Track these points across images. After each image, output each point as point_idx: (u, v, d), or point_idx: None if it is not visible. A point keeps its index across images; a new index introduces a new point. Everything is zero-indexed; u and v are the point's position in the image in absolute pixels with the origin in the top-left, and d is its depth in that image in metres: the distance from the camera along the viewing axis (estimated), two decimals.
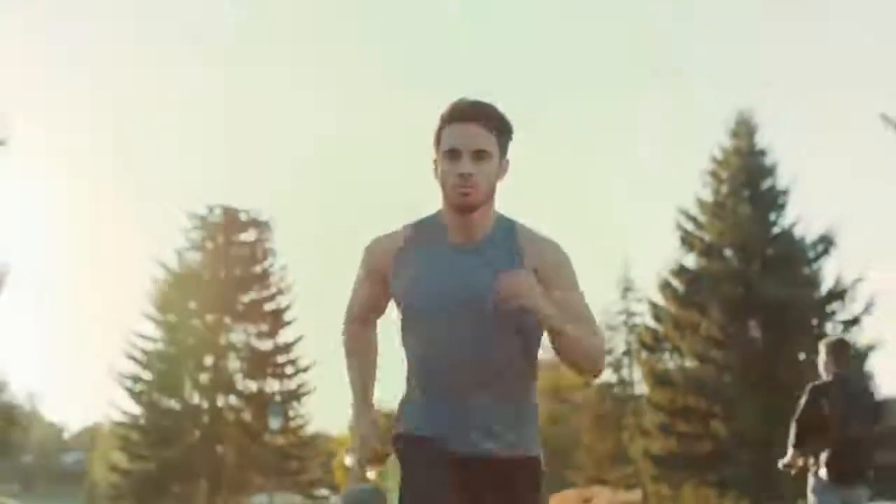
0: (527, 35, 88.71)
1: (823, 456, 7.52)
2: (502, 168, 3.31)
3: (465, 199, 3.21)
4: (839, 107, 74.97)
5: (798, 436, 7.61)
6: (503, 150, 3.29)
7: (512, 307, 3.09)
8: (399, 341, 3.42)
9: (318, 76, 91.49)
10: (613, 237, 76.37)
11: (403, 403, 3.41)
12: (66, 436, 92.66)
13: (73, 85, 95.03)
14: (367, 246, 3.46)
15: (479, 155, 3.20)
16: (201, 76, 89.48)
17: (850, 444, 7.52)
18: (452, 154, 3.21)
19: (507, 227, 3.33)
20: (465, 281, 3.24)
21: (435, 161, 3.31)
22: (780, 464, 7.80)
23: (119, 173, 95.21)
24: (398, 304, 3.37)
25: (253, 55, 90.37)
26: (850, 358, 7.91)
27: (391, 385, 3.80)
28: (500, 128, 3.26)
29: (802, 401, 7.69)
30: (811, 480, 7.60)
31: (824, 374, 7.74)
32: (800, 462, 7.63)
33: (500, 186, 3.33)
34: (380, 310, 3.50)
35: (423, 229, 3.37)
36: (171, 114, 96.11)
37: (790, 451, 7.66)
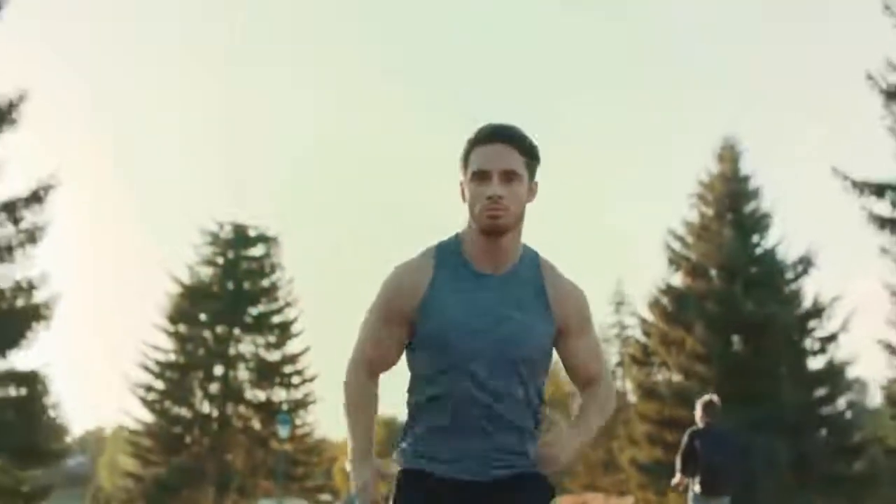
0: (529, 36, 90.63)
1: (697, 478, 10.85)
2: (532, 191, 3.26)
3: (495, 223, 3.16)
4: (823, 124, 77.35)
5: (682, 465, 10.97)
6: (532, 173, 3.24)
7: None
8: (412, 374, 3.36)
9: (324, 95, 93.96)
10: (609, 252, 78.67)
11: (409, 434, 3.36)
12: (68, 439, 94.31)
13: (97, 92, 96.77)
14: (388, 281, 3.30)
15: (509, 176, 3.16)
16: (212, 102, 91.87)
17: (713, 470, 10.89)
18: (481, 175, 3.17)
19: (532, 260, 3.30)
20: (494, 318, 3.19)
21: (462, 184, 3.27)
22: (672, 483, 11.26)
23: (132, 189, 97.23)
24: (420, 345, 3.27)
25: (261, 76, 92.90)
26: (716, 412, 11.14)
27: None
28: (529, 151, 3.22)
29: (683, 441, 11.03)
30: (690, 493, 10.93)
31: (699, 423, 11.09)
32: (685, 482, 10.99)
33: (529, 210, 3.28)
34: (394, 361, 3.36)
35: (447, 257, 3.29)
36: (185, 133, 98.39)
37: (677, 475, 11.04)
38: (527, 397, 3.26)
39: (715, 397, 11.46)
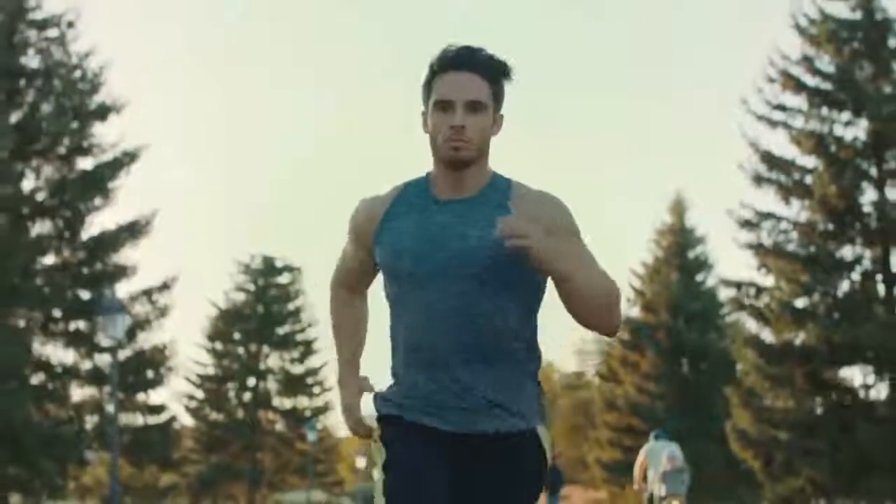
0: (529, 37, 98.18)
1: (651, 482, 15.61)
2: (496, 122, 3.18)
3: (457, 154, 3.08)
4: None
5: (639, 474, 15.46)
6: (499, 99, 3.17)
7: (513, 252, 2.90)
8: (387, 315, 3.29)
9: (324, 101, 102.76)
10: None
11: (391, 377, 3.26)
12: None
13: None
14: (353, 211, 3.34)
15: (473, 106, 3.08)
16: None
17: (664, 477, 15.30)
18: (444, 105, 3.09)
19: (502, 185, 3.18)
20: (448, 238, 3.10)
21: (424, 114, 3.19)
22: (635, 487, 15.59)
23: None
24: (381, 272, 3.25)
25: (289, 117, 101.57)
26: (665, 431, 16.47)
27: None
28: (496, 76, 3.15)
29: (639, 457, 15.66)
30: (646, 494, 15.60)
31: (652, 440, 15.67)
32: (643, 486, 15.22)
33: (495, 141, 3.16)
34: (367, 276, 3.41)
35: (411, 189, 3.25)
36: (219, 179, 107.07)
37: (636, 483, 15.34)
38: (505, 324, 3.08)
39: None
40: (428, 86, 3.18)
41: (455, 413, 3.11)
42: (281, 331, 49.60)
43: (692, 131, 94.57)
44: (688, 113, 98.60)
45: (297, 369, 49.67)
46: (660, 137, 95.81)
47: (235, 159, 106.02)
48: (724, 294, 33.08)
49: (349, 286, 3.49)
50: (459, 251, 3.09)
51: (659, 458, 15.33)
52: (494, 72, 3.16)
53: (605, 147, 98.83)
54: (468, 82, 3.11)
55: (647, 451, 15.67)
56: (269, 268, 50.31)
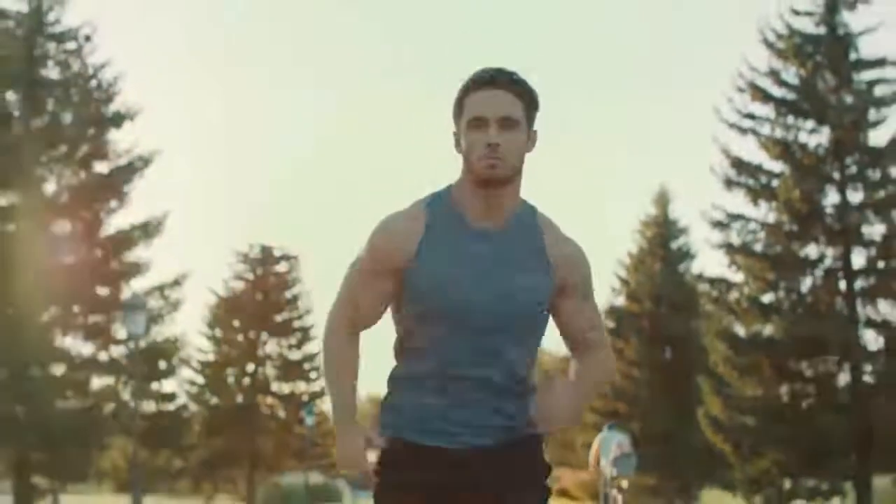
0: (532, 35, 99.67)
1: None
2: (531, 139, 3.20)
3: (494, 172, 3.09)
4: None
5: (594, 459, 18.45)
6: (531, 120, 3.20)
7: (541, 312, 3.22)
8: (398, 337, 3.33)
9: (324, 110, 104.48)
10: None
11: (396, 404, 3.31)
12: None
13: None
14: (377, 230, 3.24)
15: (508, 123, 3.11)
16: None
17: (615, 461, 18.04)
18: (478, 122, 3.11)
19: (530, 215, 3.26)
20: (493, 286, 3.16)
21: (456, 134, 3.20)
22: (590, 469, 18.89)
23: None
24: (411, 301, 3.22)
25: (288, 105, 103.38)
26: (616, 425, 19.23)
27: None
28: (528, 96, 3.19)
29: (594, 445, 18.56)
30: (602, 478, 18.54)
31: (605, 431, 18.46)
32: (598, 469, 18.09)
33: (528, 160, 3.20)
34: (379, 312, 3.31)
35: (438, 208, 3.22)
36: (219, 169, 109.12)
37: (591, 466, 18.49)
38: (522, 358, 3.24)
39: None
40: (459, 104, 3.20)
41: (470, 434, 3.25)
42: (279, 318, 50.48)
43: (683, 127, 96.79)
44: (679, 111, 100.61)
45: (295, 355, 50.49)
46: (653, 133, 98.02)
47: (237, 158, 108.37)
48: (699, 289, 35.42)
49: (354, 325, 3.35)
50: (505, 290, 3.19)
51: (610, 445, 18.12)
52: (525, 90, 3.20)
53: (599, 143, 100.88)
54: (501, 99, 3.15)
55: (600, 440, 18.50)
56: (267, 257, 51.42)
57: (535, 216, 3.28)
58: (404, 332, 3.32)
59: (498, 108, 3.13)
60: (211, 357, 50.18)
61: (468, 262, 3.19)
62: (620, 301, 46.40)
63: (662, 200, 46.68)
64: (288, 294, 51.63)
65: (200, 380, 49.95)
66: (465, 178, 3.21)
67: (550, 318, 3.38)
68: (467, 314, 3.18)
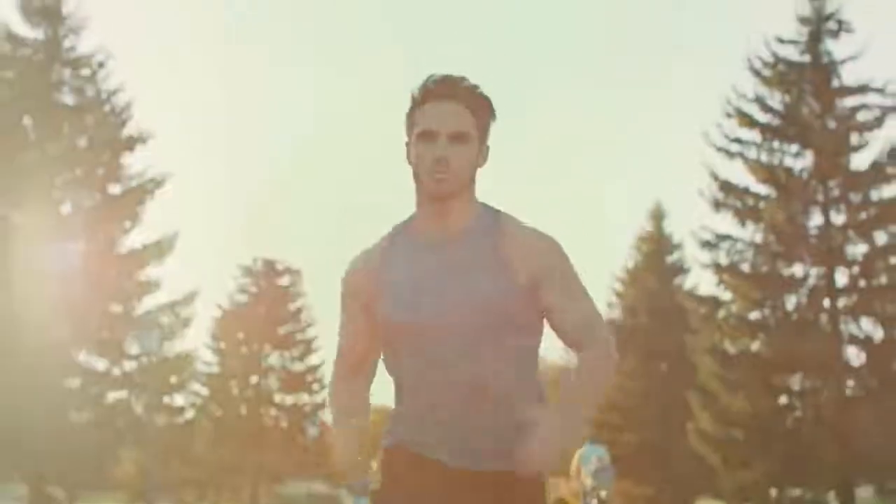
0: (531, 34, 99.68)
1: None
2: (482, 153, 3.15)
3: (440, 187, 3.07)
4: None
5: (574, 471, 18.94)
6: (484, 132, 3.14)
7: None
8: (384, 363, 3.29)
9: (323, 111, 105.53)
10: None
11: (394, 416, 3.28)
12: None
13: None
14: (344, 274, 3.27)
15: (458, 137, 3.06)
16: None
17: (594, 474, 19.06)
18: (427, 136, 3.06)
19: (490, 220, 3.17)
20: (441, 294, 3.09)
21: (407, 145, 3.15)
22: (571, 482, 19.50)
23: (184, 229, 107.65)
24: (380, 329, 3.21)
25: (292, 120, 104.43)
26: (595, 440, 19.95)
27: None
28: (481, 108, 3.12)
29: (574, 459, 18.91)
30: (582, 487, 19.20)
31: (586, 445, 19.07)
32: (578, 481, 18.89)
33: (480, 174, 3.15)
34: (371, 355, 3.31)
35: (400, 233, 3.22)
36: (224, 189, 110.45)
37: (572, 479, 18.95)
38: (507, 368, 3.10)
39: None
40: (411, 116, 3.14)
41: (458, 455, 3.16)
42: (282, 330, 51.21)
43: (678, 144, 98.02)
44: (677, 127, 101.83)
45: (298, 367, 51.14)
46: (648, 149, 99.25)
47: (240, 174, 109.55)
48: (688, 306, 36.85)
49: (352, 368, 3.36)
50: (452, 306, 3.09)
51: (589, 459, 19.46)
52: (478, 103, 3.13)
53: (596, 159, 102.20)
54: (453, 112, 3.08)
55: (580, 454, 19.59)
56: (270, 270, 52.26)
57: (498, 218, 3.21)
58: (384, 357, 3.33)
59: (449, 122, 3.09)
60: (215, 369, 50.99)
61: (415, 281, 3.16)
62: (616, 314, 47.80)
63: (657, 216, 48.07)
64: (291, 307, 52.40)
65: (205, 391, 50.74)
66: (417, 192, 3.21)
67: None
68: (421, 334, 3.15)
